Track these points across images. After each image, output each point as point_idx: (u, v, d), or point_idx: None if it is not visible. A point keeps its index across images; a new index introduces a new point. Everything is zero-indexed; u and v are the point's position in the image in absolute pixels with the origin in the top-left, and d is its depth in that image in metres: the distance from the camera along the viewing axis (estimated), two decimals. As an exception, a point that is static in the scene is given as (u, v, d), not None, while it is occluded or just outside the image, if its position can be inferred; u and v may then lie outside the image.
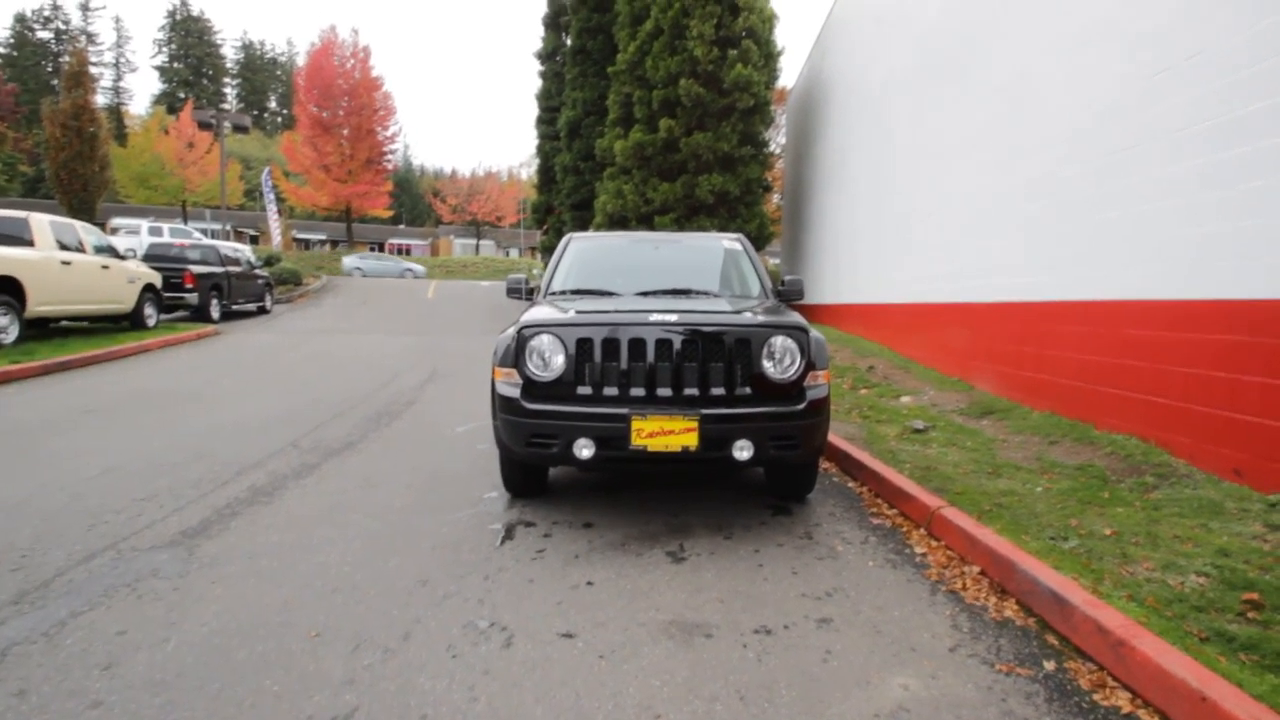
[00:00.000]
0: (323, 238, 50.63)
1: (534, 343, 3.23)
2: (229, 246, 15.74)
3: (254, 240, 36.37)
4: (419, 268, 33.82)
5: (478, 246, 47.49)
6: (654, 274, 4.35)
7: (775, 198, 21.56)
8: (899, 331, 8.90)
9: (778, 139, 20.94)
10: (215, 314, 13.60)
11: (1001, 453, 4.65)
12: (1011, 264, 6.14)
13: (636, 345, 3.15)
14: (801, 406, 3.16)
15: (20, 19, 55.52)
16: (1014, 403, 5.84)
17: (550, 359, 3.18)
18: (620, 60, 14.89)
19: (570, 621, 2.44)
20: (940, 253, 7.63)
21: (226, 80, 63.99)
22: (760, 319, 3.28)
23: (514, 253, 50.52)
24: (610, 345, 3.16)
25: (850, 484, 4.21)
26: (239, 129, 25.32)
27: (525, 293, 4.56)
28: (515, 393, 3.19)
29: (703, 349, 3.14)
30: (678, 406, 3.07)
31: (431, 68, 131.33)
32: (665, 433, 2.99)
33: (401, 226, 58.14)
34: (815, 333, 3.34)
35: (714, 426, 3.01)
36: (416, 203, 63.47)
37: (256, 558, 2.97)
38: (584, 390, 3.16)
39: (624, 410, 3.03)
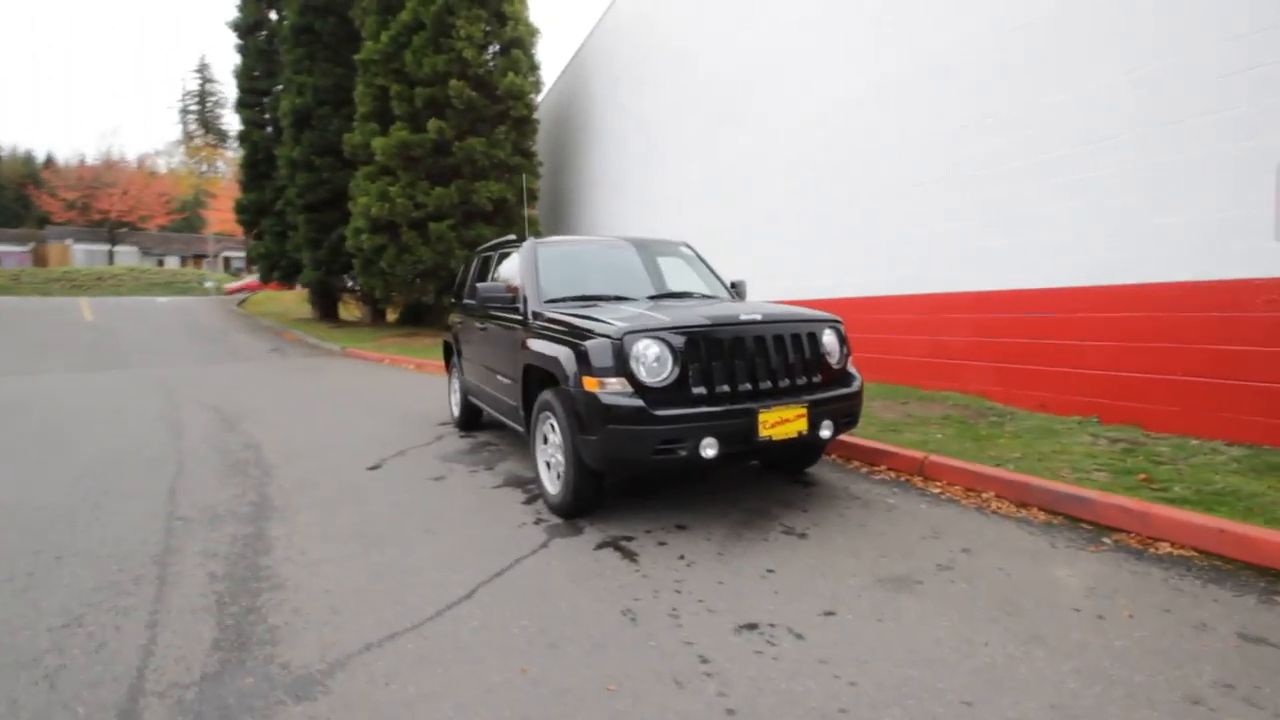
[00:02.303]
0: None
1: (637, 349, 3.14)
2: None
3: None
4: None
5: (112, 254, 36.81)
6: (647, 279, 4.44)
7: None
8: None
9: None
10: None
11: (880, 415, 5.87)
12: (822, 268, 7.63)
13: (738, 343, 3.31)
14: (857, 388, 3.71)
15: None
16: (846, 377, 7.30)
17: (663, 363, 3.14)
18: (370, 49, 13.56)
19: (809, 604, 2.56)
20: (750, 258, 8.96)
21: None
22: (815, 315, 3.72)
23: (172, 261, 40.14)
24: (715, 345, 3.26)
25: (815, 454, 4.90)
26: None
27: (507, 304, 4.21)
28: (634, 401, 3.07)
29: (789, 343, 3.46)
30: (785, 397, 3.33)
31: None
32: (784, 421, 3.23)
33: (-26, 228, 41.90)
34: (841, 324, 3.92)
35: (816, 411, 3.36)
36: (-6, 195, 46.42)
37: (388, 647, 2.34)
38: (699, 390, 3.20)
39: (749, 405, 3.18)
